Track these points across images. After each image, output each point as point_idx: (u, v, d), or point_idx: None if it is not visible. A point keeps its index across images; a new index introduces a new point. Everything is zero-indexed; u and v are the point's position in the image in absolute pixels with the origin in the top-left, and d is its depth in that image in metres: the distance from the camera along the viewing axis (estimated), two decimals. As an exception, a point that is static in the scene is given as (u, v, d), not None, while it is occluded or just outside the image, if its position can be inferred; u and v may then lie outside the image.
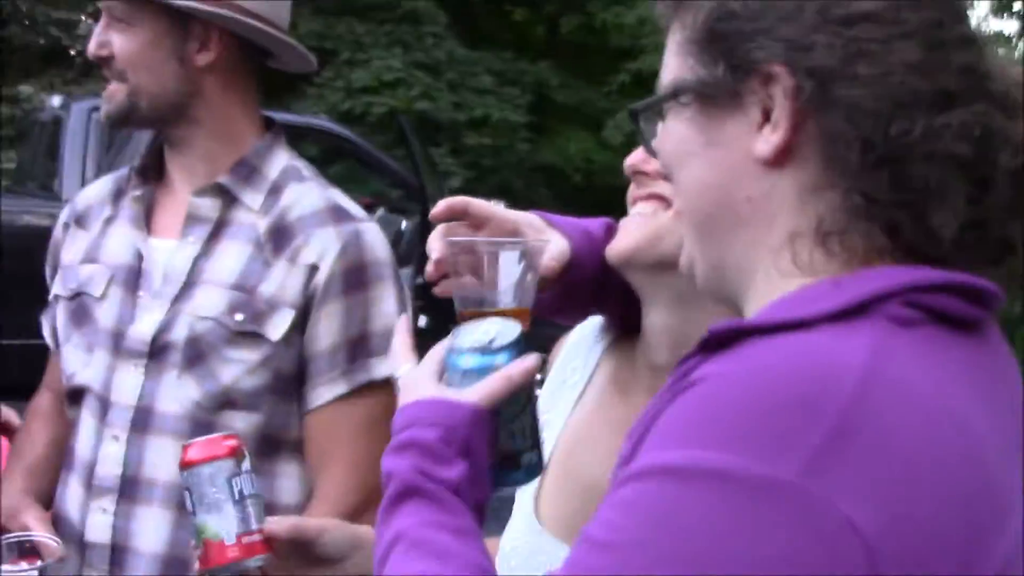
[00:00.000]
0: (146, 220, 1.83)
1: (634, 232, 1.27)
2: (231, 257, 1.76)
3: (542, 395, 1.45)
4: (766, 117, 0.92)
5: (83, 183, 6.38)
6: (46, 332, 1.96)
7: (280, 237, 1.75)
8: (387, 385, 1.66)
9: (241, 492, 1.26)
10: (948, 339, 0.87)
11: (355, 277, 1.73)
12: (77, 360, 1.82)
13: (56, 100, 7.47)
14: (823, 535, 0.77)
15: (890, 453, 0.79)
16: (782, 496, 0.77)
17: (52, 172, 6.91)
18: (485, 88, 12.55)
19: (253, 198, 1.78)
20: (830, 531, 0.77)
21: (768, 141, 0.92)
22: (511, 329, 1.09)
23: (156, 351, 1.75)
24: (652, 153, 1.04)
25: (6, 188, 7.46)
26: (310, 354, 1.73)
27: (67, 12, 11.40)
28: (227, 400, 1.71)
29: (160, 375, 1.74)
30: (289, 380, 1.73)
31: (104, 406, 1.77)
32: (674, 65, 0.99)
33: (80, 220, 1.91)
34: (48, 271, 1.96)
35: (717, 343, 0.86)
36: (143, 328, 1.76)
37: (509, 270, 1.15)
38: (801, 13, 0.91)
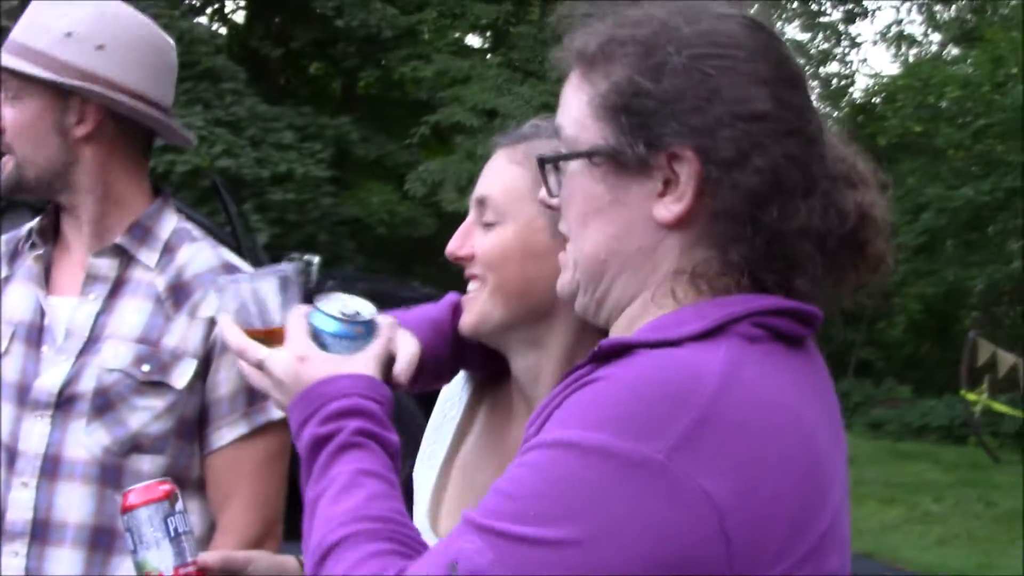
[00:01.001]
0: (45, 279, 1.94)
1: (472, 310, 1.47)
2: (133, 313, 1.89)
3: (428, 428, 1.60)
4: (666, 185, 1.11)
5: None
6: None
7: (179, 293, 1.90)
8: (283, 424, 1.83)
9: (176, 530, 1.39)
10: (784, 352, 1.10)
11: None
12: None
13: None
14: (683, 503, 0.98)
15: (741, 439, 1.01)
16: (651, 471, 0.98)
17: None
18: (287, 143, 12.56)
19: (149, 257, 1.92)
20: (689, 500, 0.98)
21: (669, 209, 1.12)
22: (367, 306, 1.35)
23: (62, 402, 1.86)
24: (551, 195, 1.21)
25: None
26: (211, 400, 1.88)
27: None
28: (135, 445, 1.84)
29: (67, 424, 1.86)
30: (191, 424, 1.88)
31: (11, 455, 1.87)
32: (583, 120, 1.15)
33: None
34: None
35: (605, 355, 1.06)
36: (48, 381, 1.88)
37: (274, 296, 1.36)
38: (710, 106, 1.09)
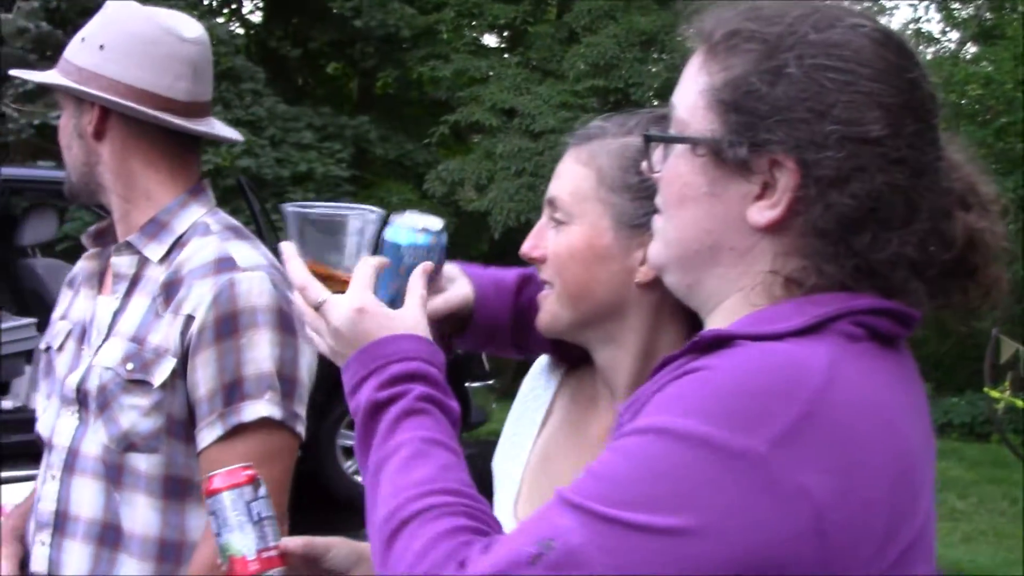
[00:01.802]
0: (99, 279, 2.00)
1: (544, 310, 1.47)
2: (136, 310, 1.91)
3: (509, 419, 1.61)
4: (764, 189, 1.10)
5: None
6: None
7: (170, 290, 1.87)
8: (260, 427, 1.82)
9: (259, 514, 1.39)
10: (881, 352, 1.09)
11: (226, 325, 1.82)
12: (40, 407, 2.01)
13: None
14: (782, 498, 0.96)
15: (843, 438, 0.99)
16: (752, 463, 0.96)
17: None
18: (307, 143, 12.58)
19: (155, 252, 1.91)
20: (788, 495, 0.96)
21: (763, 213, 1.10)
22: (436, 221, 1.37)
23: (80, 399, 1.91)
24: (652, 170, 1.19)
25: None
26: (193, 400, 1.83)
27: None
28: (129, 443, 1.84)
29: (85, 420, 1.90)
30: (183, 424, 1.85)
31: (49, 448, 1.95)
32: (695, 107, 1.13)
33: (71, 282, 2.09)
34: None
35: (706, 346, 1.05)
36: (72, 378, 1.93)
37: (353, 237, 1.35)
38: (821, 121, 1.07)
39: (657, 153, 1.18)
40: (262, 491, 1.41)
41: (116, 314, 1.91)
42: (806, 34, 1.09)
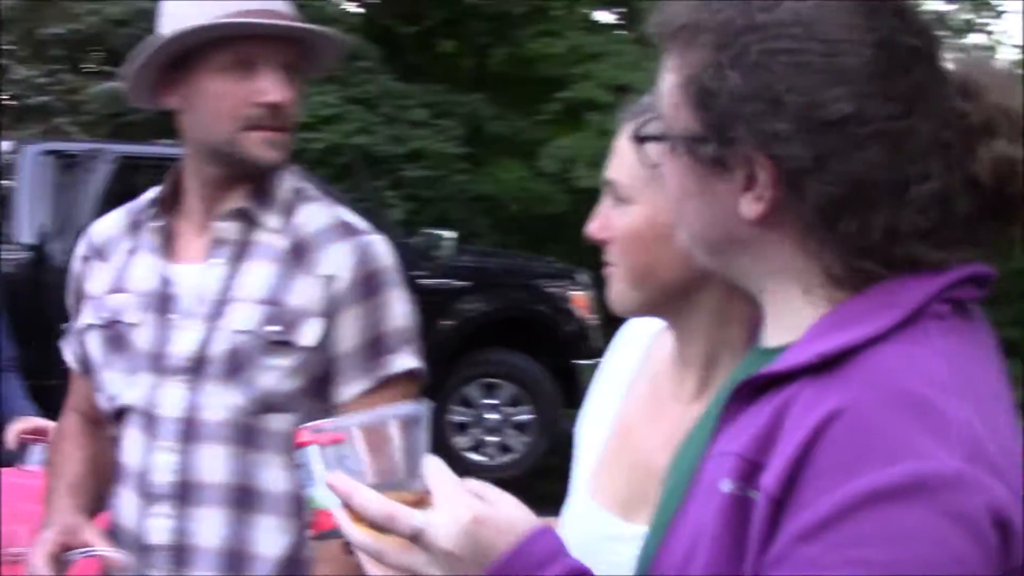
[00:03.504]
0: (167, 248, 1.99)
1: (612, 290, 1.46)
2: (258, 275, 1.94)
3: (596, 383, 1.60)
4: (748, 181, 1.04)
5: (35, 226, 6.40)
6: (70, 358, 2.13)
7: (300, 253, 1.94)
8: (404, 378, 1.96)
9: (346, 468, 1.36)
10: (965, 324, 1.03)
11: (368, 284, 1.94)
12: (119, 383, 1.99)
13: (5, 145, 7.48)
14: (991, 508, 0.92)
15: (994, 440, 0.95)
16: (961, 479, 0.91)
17: (3, 216, 6.91)
18: (420, 121, 12.62)
19: (271, 218, 1.96)
20: (993, 505, 0.92)
21: (751, 207, 1.04)
22: None
23: (196, 366, 1.92)
24: (650, 164, 1.16)
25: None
26: (335, 356, 1.93)
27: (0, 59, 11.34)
28: (268, 404, 1.89)
29: (201, 387, 1.91)
30: (320, 381, 1.92)
31: (151, 421, 1.94)
32: (675, 103, 1.07)
33: (100, 253, 2.08)
34: (71, 302, 2.13)
35: (815, 368, 0.98)
36: (182, 347, 1.94)
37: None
38: (777, 111, 0.99)
39: (651, 150, 1.14)
40: (351, 446, 1.40)
41: (227, 279, 1.93)
42: (753, 17, 1.00)
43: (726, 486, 1.00)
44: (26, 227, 6.44)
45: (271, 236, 1.96)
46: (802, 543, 0.93)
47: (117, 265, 2.05)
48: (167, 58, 1.93)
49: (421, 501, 1.13)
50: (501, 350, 7.94)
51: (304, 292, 1.91)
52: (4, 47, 11.28)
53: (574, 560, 1.07)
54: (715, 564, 1.01)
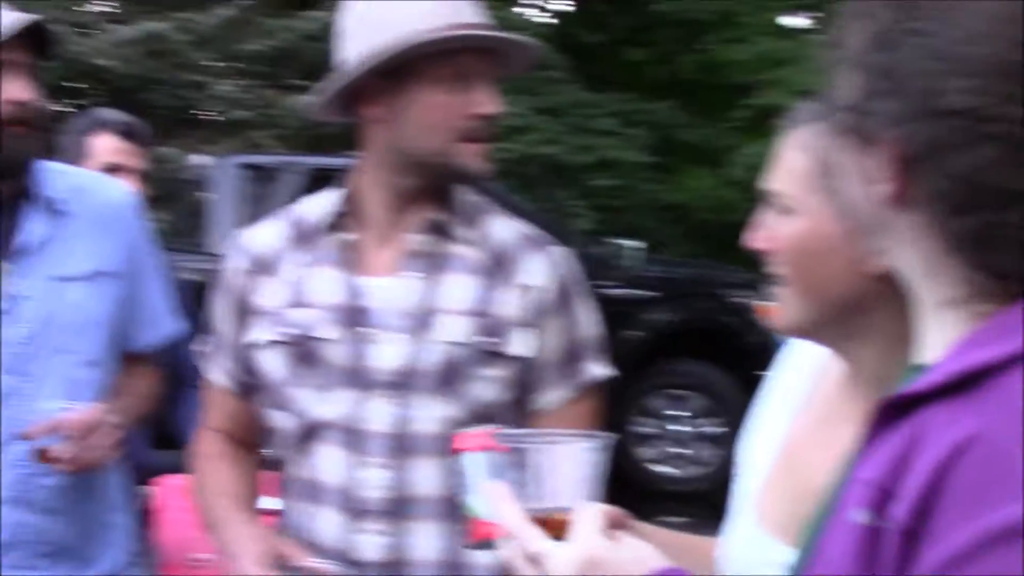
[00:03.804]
0: (352, 261, 1.96)
1: (777, 311, 1.39)
2: (460, 287, 1.94)
3: (760, 403, 1.53)
4: (881, 163, 0.99)
5: (230, 237, 6.59)
6: (219, 376, 2.10)
7: (499, 264, 1.94)
8: (595, 387, 1.99)
9: (504, 477, 1.33)
10: None
11: (565, 294, 1.97)
12: (311, 399, 1.94)
13: (199, 159, 7.74)
14: None
15: None
16: None
17: (200, 228, 7.14)
18: (608, 130, 12.61)
19: (462, 231, 1.96)
20: None
21: (881, 189, 1.00)
22: None
23: (404, 380, 1.90)
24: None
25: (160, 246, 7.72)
26: (537, 365, 1.94)
27: (201, 76, 11.76)
28: (481, 415, 1.89)
29: (410, 401, 1.90)
30: (521, 390, 1.94)
31: (356, 437, 1.91)
32: (837, 78, 1.04)
33: (266, 266, 2.02)
34: (229, 317, 2.07)
35: (952, 388, 0.92)
36: (385, 361, 1.91)
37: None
38: (902, 95, 0.96)
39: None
40: (511, 455, 1.37)
41: (428, 292, 1.92)
42: None
43: (858, 515, 0.95)
44: (221, 238, 6.65)
45: (465, 248, 1.95)
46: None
47: (290, 279, 1.99)
48: (379, 69, 1.91)
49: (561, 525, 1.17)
50: (688, 360, 7.84)
51: (509, 302, 1.93)
52: (204, 64, 11.70)
53: None
54: None
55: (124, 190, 2.44)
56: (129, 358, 2.38)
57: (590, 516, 1.17)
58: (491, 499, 1.21)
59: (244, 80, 11.72)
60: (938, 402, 0.93)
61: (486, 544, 1.37)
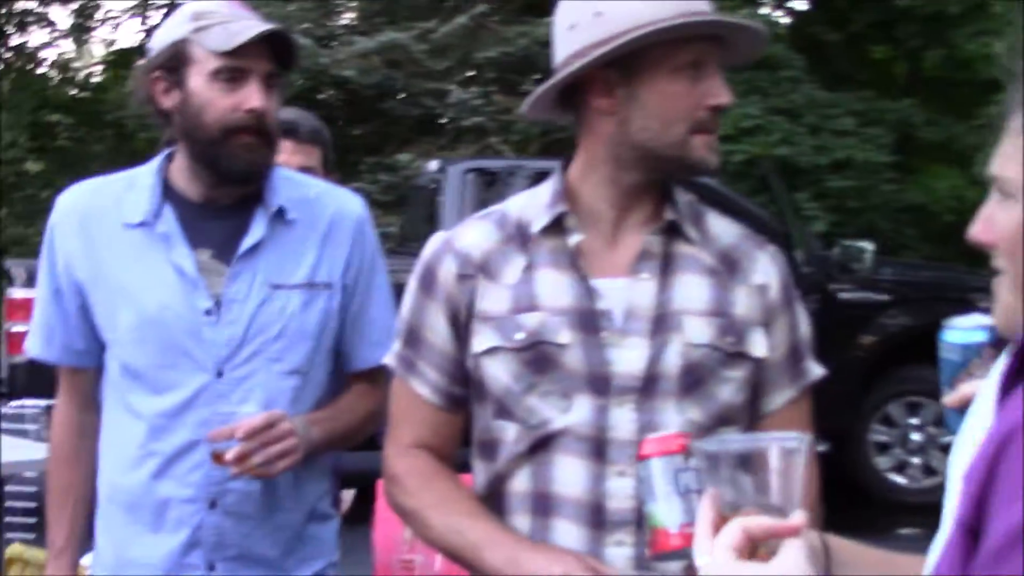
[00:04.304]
0: (573, 260, 1.89)
1: (998, 303, 1.28)
2: (695, 287, 1.90)
3: (968, 416, 1.46)
4: None
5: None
6: (422, 387, 1.97)
7: (730, 264, 1.92)
8: (812, 386, 1.96)
9: (687, 486, 1.32)
10: None
11: (788, 293, 1.95)
12: (549, 407, 1.87)
13: (433, 165, 7.91)
14: None
15: None
16: None
17: (430, 233, 7.30)
18: (846, 130, 12.28)
19: (690, 231, 1.92)
20: None
21: None
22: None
23: (647, 385, 1.85)
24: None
25: (389, 250, 7.94)
26: (768, 365, 1.91)
27: (438, 83, 12.04)
28: (724, 418, 1.86)
29: (653, 406, 1.85)
30: (753, 392, 1.91)
31: (598, 446, 1.85)
32: None
33: (484, 270, 1.92)
34: (439, 324, 1.96)
35: None
36: (629, 365, 1.85)
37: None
38: None
39: None
40: (693, 462, 1.34)
41: (664, 293, 1.88)
42: None
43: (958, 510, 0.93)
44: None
45: (693, 248, 1.91)
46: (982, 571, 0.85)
47: (512, 282, 1.90)
48: (611, 58, 1.83)
49: (793, 532, 1.15)
50: (926, 367, 7.56)
51: (744, 303, 1.90)
52: (441, 71, 11.97)
53: None
54: None
55: (355, 202, 2.40)
56: (352, 376, 2.37)
57: (796, 543, 1.14)
58: (704, 509, 1.19)
59: (480, 87, 11.94)
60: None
61: (669, 555, 1.35)
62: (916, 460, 7.72)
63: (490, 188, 7.03)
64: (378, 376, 2.29)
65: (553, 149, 10.05)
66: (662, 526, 1.33)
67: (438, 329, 1.95)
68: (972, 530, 0.87)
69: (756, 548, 1.16)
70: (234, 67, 2.19)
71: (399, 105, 12.13)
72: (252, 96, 2.20)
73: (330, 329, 2.30)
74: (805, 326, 1.98)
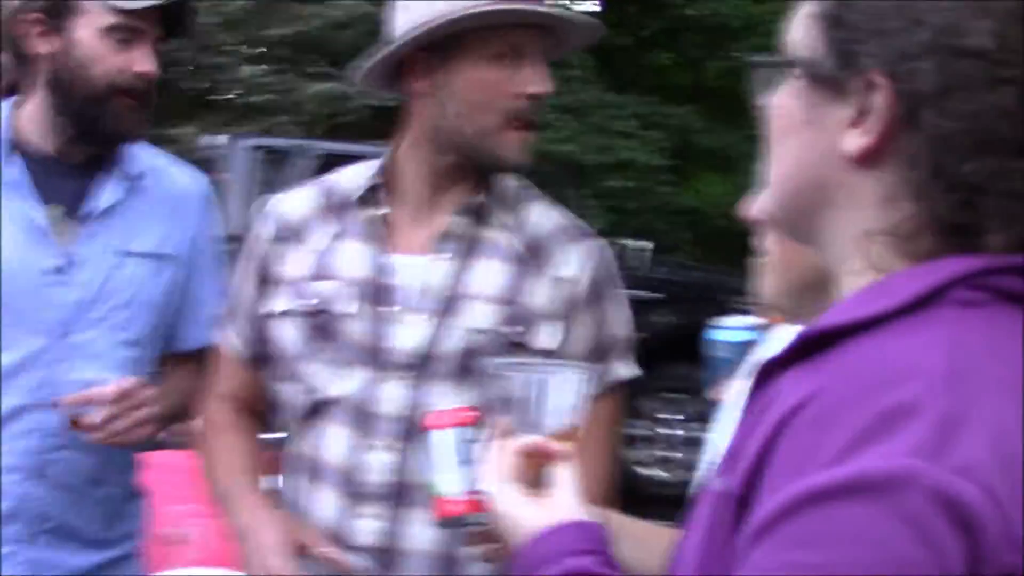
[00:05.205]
0: (383, 236, 1.91)
1: (756, 286, 1.38)
2: (491, 272, 1.88)
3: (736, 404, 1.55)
4: (860, 114, 0.97)
5: (242, 217, 6.65)
6: (235, 342, 2.03)
7: (535, 253, 1.88)
8: (619, 386, 1.93)
9: (473, 457, 1.35)
10: (1011, 315, 0.94)
11: (600, 289, 1.91)
12: (325, 374, 1.89)
13: (219, 139, 7.79)
14: (948, 507, 0.84)
15: (983, 437, 0.86)
16: (915, 479, 0.84)
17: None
18: (629, 132, 12.59)
19: (501, 216, 1.90)
20: (953, 505, 0.84)
21: (856, 141, 0.97)
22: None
23: (422, 363, 1.84)
24: (759, 107, 1.07)
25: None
26: (560, 358, 1.84)
27: (225, 58, 11.81)
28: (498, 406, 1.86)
29: (427, 386, 1.84)
30: None
31: (364, 418, 1.85)
32: (803, 26, 1.02)
33: (296, 234, 1.96)
34: (248, 281, 2.02)
35: (811, 347, 0.93)
36: (407, 342, 1.85)
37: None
38: (916, 30, 0.94)
39: (770, 87, 1.06)
40: (480, 434, 1.38)
41: (458, 275, 1.87)
42: None
43: (717, 483, 0.97)
44: (234, 218, 6.69)
45: (501, 234, 1.89)
46: (750, 547, 0.88)
47: (318, 248, 1.94)
48: (427, 41, 1.85)
49: (569, 437, 1.24)
50: (691, 365, 7.81)
51: (541, 293, 1.87)
52: (230, 47, 11.74)
53: (576, 561, 1.12)
54: (701, 563, 0.97)
55: (203, 180, 2.36)
56: (175, 356, 2.30)
57: (566, 475, 1.22)
58: (500, 429, 1.26)
59: (267, 64, 11.76)
60: (793, 367, 0.93)
61: (452, 521, 1.39)
62: (672, 455, 7.94)
63: (275, 166, 6.94)
64: (202, 358, 2.23)
65: (339, 132, 10.00)
66: (445, 494, 1.37)
67: (248, 288, 2.00)
68: (743, 501, 0.92)
69: (539, 475, 1.23)
70: (130, 27, 2.13)
71: (182, 78, 11.83)
72: (145, 59, 2.14)
73: (171, 303, 2.25)
74: (620, 325, 1.93)
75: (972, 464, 0.85)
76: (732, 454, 0.96)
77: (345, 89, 10.28)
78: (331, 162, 6.73)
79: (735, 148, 13.66)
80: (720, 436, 1.54)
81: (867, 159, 0.98)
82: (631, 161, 12.25)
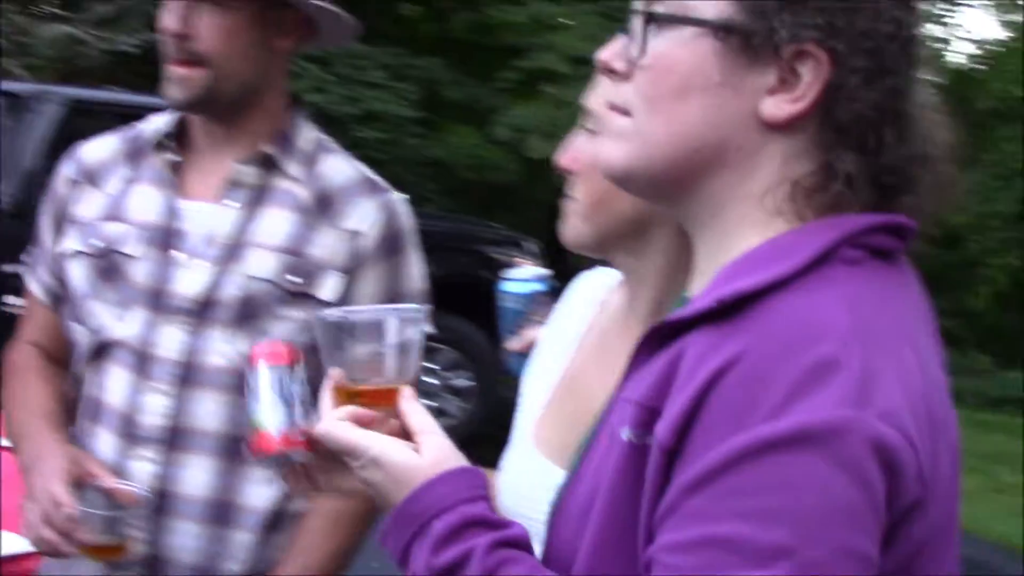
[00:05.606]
0: (174, 182, 1.91)
1: (565, 227, 1.44)
2: (277, 222, 1.88)
3: (544, 340, 1.60)
4: (781, 82, 1.02)
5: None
6: (35, 287, 2.03)
7: (324, 205, 1.88)
8: None
9: (291, 393, 1.36)
10: (885, 270, 1.04)
11: (392, 243, 1.90)
12: (108, 316, 1.89)
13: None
14: (878, 451, 0.93)
15: (896, 385, 0.95)
16: (847, 427, 0.92)
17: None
18: (376, 82, 12.54)
19: (293, 167, 1.90)
20: (882, 450, 0.93)
21: (781, 107, 1.03)
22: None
23: (201, 309, 1.84)
24: (632, 58, 1.07)
25: None
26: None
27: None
28: None
29: (205, 331, 1.84)
30: None
31: (143, 360, 1.85)
32: None
33: (92, 177, 1.97)
34: (48, 224, 2.02)
35: (726, 310, 0.98)
36: (187, 287, 1.85)
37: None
38: (858, 12, 1.02)
39: (642, 42, 1.07)
40: (299, 372, 1.39)
41: (242, 223, 1.87)
42: None
43: (625, 434, 1.01)
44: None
45: (292, 184, 1.89)
46: (689, 495, 0.94)
47: (112, 192, 1.94)
48: None
49: (395, 393, 1.24)
50: (442, 314, 7.89)
51: (327, 245, 1.86)
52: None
53: (478, 507, 1.12)
54: (612, 511, 1.02)
55: None
56: None
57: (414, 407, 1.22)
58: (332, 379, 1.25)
59: (-3, 5, 11.16)
60: (703, 328, 0.98)
61: (268, 458, 1.39)
62: (427, 403, 8.04)
63: (15, 113, 6.60)
64: None
65: (75, 77, 9.60)
66: (263, 428, 1.37)
67: (46, 231, 2.01)
68: (673, 453, 0.96)
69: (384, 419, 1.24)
70: None
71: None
72: None
73: None
74: (414, 281, 1.93)
75: (892, 410, 0.94)
76: (644, 408, 1.00)
77: (80, 34, 9.89)
78: (79, 109, 6.51)
79: (482, 101, 13.82)
80: (533, 384, 1.59)
81: (787, 125, 1.03)
82: (381, 112, 12.21)
